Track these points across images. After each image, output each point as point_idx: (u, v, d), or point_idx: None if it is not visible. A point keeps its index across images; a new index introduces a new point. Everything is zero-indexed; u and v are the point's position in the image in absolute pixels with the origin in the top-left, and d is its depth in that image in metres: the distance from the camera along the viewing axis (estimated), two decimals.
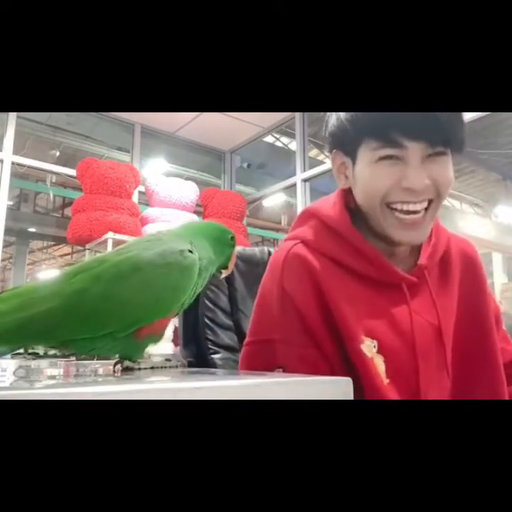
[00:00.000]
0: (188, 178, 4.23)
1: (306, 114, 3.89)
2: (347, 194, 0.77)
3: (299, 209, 3.74)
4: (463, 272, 0.79)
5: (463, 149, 0.70)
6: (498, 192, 7.57)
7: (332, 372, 0.68)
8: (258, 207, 6.32)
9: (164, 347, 3.23)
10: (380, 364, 0.69)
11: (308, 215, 0.81)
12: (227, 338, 1.02)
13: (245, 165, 5.75)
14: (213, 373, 0.72)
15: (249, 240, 4.26)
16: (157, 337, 0.58)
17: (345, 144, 0.74)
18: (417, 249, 0.78)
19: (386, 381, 0.68)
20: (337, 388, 0.47)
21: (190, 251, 0.58)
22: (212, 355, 0.99)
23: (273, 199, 5.31)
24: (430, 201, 0.70)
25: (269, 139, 5.59)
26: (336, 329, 0.70)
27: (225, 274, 0.70)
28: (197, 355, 1.00)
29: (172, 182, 3.64)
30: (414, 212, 0.69)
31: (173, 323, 3.39)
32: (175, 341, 3.32)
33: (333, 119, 0.75)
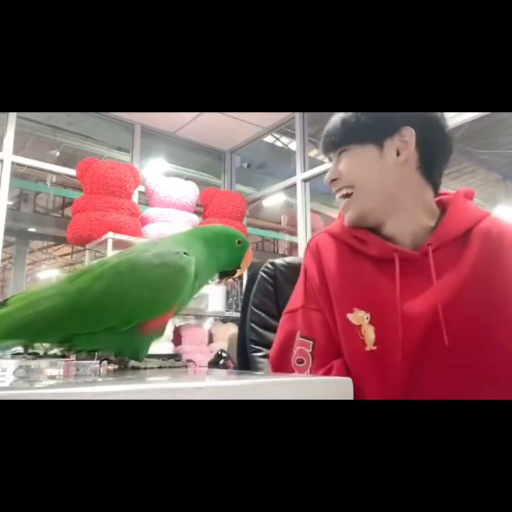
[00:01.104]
0: (188, 178, 4.23)
1: (306, 114, 3.89)
2: None
3: (299, 209, 3.75)
4: (481, 251, 0.80)
5: (360, 142, 0.84)
6: (498, 192, 7.57)
7: (328, 334, 0.81)
8: (258, 207, 6.32)
9: (164, 347, 3.23)
10: (369, 333, 0.77)
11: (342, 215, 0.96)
12: (272, 337, 1.08)
13: (245, 165, 5.75)
14: (215, 373, 0.72)
15: (250, 239, 4.26)
16: (159, 333, 0.62)
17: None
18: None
19: (373, 347, 0.76)
20: (337, 388, 0.47)
21: (186, 253, 0.61)
22: (253, 353, 1.07)
23: (273, 199, 5.31)
24: (350, 187, 0.85)
25: (269, 139, 5.59)
26: (329, 299, 0.82)
27: (238, 273, 0.78)
28: (244, 355, 1.10)
29: (172, 182, 3.64)
30: (342, 195, 0.86)
31: (173, 324, 3.40)
32: (175, 341, 3.32)
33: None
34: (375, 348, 0.76)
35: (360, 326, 0.78)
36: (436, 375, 0.75)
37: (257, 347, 1.09)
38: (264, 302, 1.13)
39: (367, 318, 0.78)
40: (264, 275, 1.15)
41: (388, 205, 0.83)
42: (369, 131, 0.83)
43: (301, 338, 0.83)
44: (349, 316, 0.79)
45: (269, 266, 1.17)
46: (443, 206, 0.86)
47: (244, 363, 1.10)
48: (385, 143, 0.81)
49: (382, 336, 0.76)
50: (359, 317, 0.78)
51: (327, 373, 0.78)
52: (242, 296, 1.21)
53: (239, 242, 0.74)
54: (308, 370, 0.79)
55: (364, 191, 0.84)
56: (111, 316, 0.56)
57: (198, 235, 0.71)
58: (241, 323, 1.17)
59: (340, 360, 0.79)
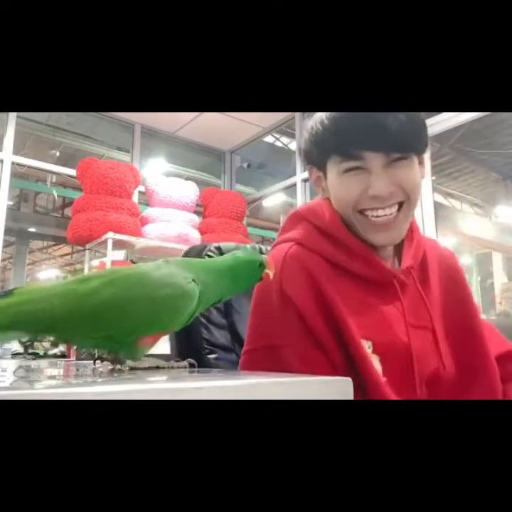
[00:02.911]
0: (188, 178, 4.23)
1: (306, 114, 3.89)
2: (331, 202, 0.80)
3: None
4: (444, 279, 0.80)
5: (424, 150, 0.74)
6: (498, 192, 7.57)
7: (335, 372, 0.69)
8: (258, 207, 6.32)
9: (164, 347, 3.23)
10: (376, 364, 0.69)
11: (298, 217, 0.81)
12: (222, 337, 0.99)
13: (245, 165, 5.75)
14: (215, 373, 0.72)
15: (249, 239, 4.26)
16: (150, 347, 0.62)
17: (315, 161, 0.78)
18: (398, 251, 0.80)
19: (383, 379, 0.69)
20: (337, 388, 0.47)
21: (194, 280, 0.60)
22: (208, 355, 0.96)
23: (273, 199, 5.30)
24: (401, 203, 0.73)
25: (269, 139, 5.59)
26: (337, 328, 0.70)
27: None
28: (192, 355, 0.99)
29: (172, 182, 3.64)
30: (385, 215, 0.72)
31: None
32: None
33: (303, 139, 0.79)
34: (384, 379, 0.69)
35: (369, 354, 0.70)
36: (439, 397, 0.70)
37: (210, 348, 0.95)
38: None
39: (369, 347, 0.70)
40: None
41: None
42: (426, 140, 0.73)
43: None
44: (363, 342, 0.69)
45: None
46: None
47: (199, 364, 0.97)
48: (424, 155, 0.73)
49: (390, 367, 0.70)
50: (367, 346, 0.70)
51: None
52: None
53: (260, 265, 0.66)
54: None
55: (413, 207, 0.74)
56: (111, 324, 0.56)
57: (216, 264, 0.66)
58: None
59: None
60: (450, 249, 0.88)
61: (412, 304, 0.75)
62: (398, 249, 0.80)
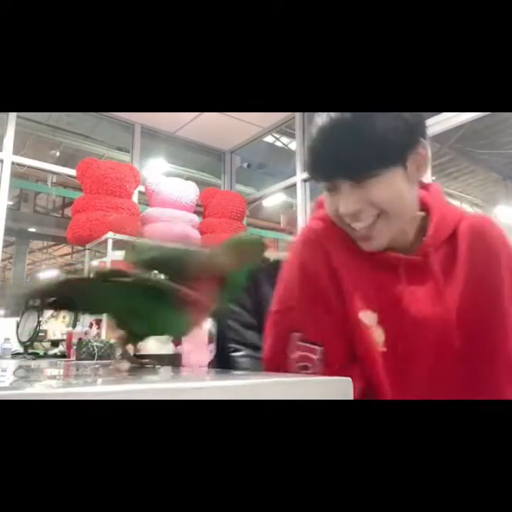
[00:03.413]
0: (188, 178, 4.23)
1: (306, 114, 3.89)
2: None
3: (299, 209, 3.75)
4: (470, 250, 0.80)
5: (392, 164, 0.73)
6: (498, 192, 7.56)
7: (339, 338, 0.76)
8: (258, 207, 6.32)
9: (164, 347, 3.23)
10: (379, 335, 0.75)
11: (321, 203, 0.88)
12: (251, 336, 1.03)
13: (245, 165, 5.75)
14: (215, 373, 0.72)
15: None
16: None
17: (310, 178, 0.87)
18: (422, 232, 0.81)
19: (382, 349, 0.74)
20: (337, 388, 0.47)
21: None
22: (233, 353, 1.01)
23: (273, 199, 5.30)
24: (378, 216, 0.75)
25: (269, 139, 5.59)
26: (342, 296, 0.77)
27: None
28: (222, 354, 1.04)
29: (172, 182, 3.64)
30: (362, 229, 0.76)
31: None
32: (175, 341, 3.32)
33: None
34: (385, 349, 0.74)
35: (370, 326, 0.75)
36: (447, 380, 0.73)
37: (236, 346, 1.02)
38: (243, 298, 1.05)
39: (374, 319, 0.75)
40: None
41: (406, 221, 0.79)
42: (395, 152, 0.73)
43: (303, 343, 0.77)
44: (360, 315, 0.75)
45: None
46: (422, 205, 0.82)
47: (224, 364, 1.03)
48: (407, 162, 0.74)
49: (392, 338, 0.74)
50: (368, 317, 0.75)
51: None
52: None
53: (261, 245, 0.74)
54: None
55: (396, 216, 0.75)
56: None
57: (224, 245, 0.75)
58: (217, 321, 1.08)
59: (357, 365, 0.75)
60: (481, 215, 0.87)
61: (423, 282, 0.77)
62: (423, 229, 0.82)
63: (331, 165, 0.73)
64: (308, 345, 0.76)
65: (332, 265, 0.78)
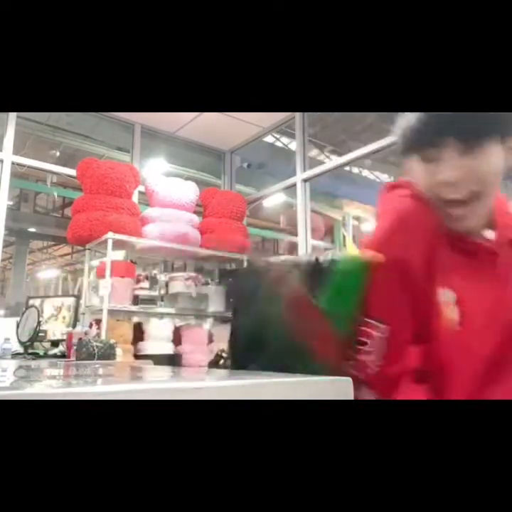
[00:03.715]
0: (188, 178, 4.23)
1: (306, 114, 3.89)
2: None
3: (299, 209, 3.74)
4: None
5: (503, 134, 0.76)
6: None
7: (412, 316, 0.77)
8: (258, 207, 6.32)
9: (164, 347, 3.23)
10: (454, 314, 0.76)
11: (394, 186, 0.90)
12: None
13: (245, 165, 5.75)
14: (215, 373, 0.72)
15: (250, 240, 4.26)
16: None
17: (403, 152, 0.87)
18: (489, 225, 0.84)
19: (456, 328, 0.76)
20: (337, 388, 0.47)
21: None
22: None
23: (273, 199, 5.30)
24: (474, 193, 0.77)
25: (269, 139, 5.59)
26: (424, 273, 0.77)
27: None
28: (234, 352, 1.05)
29: (172, 182, 3.64)
30: (456, 201, 0.77)
31: (174, 324, 3.39)
32: (175, 341, 3.32)
33: (396, 134, 0.88)
34: (458, 329, 0.76)
35: (448, 304, 0.77)
36: (510, 362, 0.76)
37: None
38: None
39: (453, 298, 0.77)
40: None
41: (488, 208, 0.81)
42: (506, 127, 0.75)
43: (368, 319, 0.76)
44: (440, 292, 0.77)
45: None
46: None
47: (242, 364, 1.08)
48: (509, 143, 0.76)
49: (467, 318, 0.76)
50: (446, 295, 0.77)
51: (399, 361, 0.75)
52: (237, 292, 1.13)
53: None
54: (377, 356, 0.74)
55: (488, 196, 0.78)
56: None
57: None
58: (235, 322, 1.06)
59: (416, 349, 0.76)
60: None
61: (500, 272, 0.80)
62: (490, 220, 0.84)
63: (447, 126, 0.75)
64: (372, 321, 0.75)
65: (423, 244, 0.78)
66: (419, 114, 0.77)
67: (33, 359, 2.35)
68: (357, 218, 8.38)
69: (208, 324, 3.64)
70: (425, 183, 0.80)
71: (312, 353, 0.68)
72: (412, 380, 0.73)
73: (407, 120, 0.81)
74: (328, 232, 8.15)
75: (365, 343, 0.74)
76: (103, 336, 2.74)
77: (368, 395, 0.70)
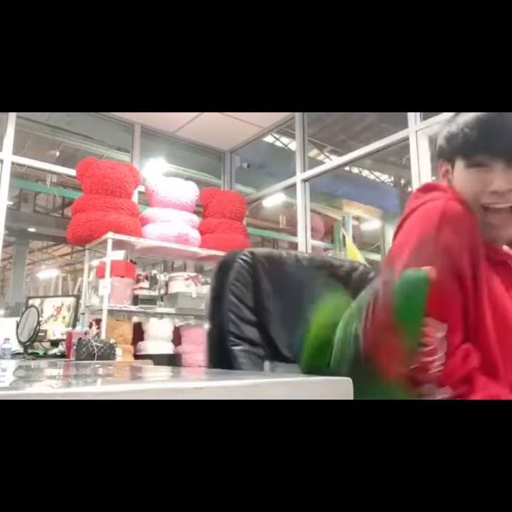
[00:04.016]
0: (188, 178, 4.22)
1: (306, 114, 3.89)
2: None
3: (299, 209, 3.74)
4: None
5: None
6: None
7: (465, 316, 0.78)
8: (258, 207, 6.32)
9: (164, 347, 3.23)
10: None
11: (431, 187, 0.90)
12: (250, 332, 1.05)
13: (245, 165, 5.75)
14: (215, 373, 0.72)
15: (250, 240, 4.26)
16: None
17: (446, 155, 0.90)
18: None
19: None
20: (337, 388, 0.47)
21: None
22: (233, 347, 1.02)
23: (273, 199, 5.30)
24: None
25: (269, 139, 5.59)
26: (476, 275, 0.79)
27: None
28: (220, 348, 1.03)
29: (172, 182, 3.64)
30: (500, 210, 0.81)
31: (174, 324, 3.39)
32: (175, 341, 3.32)
33: (440, 135, 0.91)
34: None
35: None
36: None
37: (236, 340, 1.02)
38: (243, 292, 1.05)
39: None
40: (243, 263, 1.06)
41: None
42: None
43: (430, 319, 0.76)
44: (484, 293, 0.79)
45: (248, 254, 1.08)
46: None
47: (220, 358, 1.02)
48: None
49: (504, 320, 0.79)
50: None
51: (466, 358, 0.76)
52: (214, 285, 1.09)
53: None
54: (442, 355, 0.75)
55: None
56: None
57: None
58: (213, 314, 1.07)
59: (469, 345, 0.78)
60: None
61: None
62: None
63: (501, 137, 0.79)
64: (432, 321, 0.75)
65: (469, 244, 0.79)
66: (476, 119, 0.80)
67: (33, 359, 2.35)
68: (357, 218, 8.38)
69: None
70: (472, 188, 0.82)
71: (381, 371, 0.69)
72: (484, 376, 0.74)
73: (458, 123, 0.84)
74: (328, 232, 8.15)
75: (427, 345, 0.74)
76: (103, 336, 2.74)
77: (441, 394, 0.70)
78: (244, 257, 1.07)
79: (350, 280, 1.19)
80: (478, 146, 0.81)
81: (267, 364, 1.04)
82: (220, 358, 1.02)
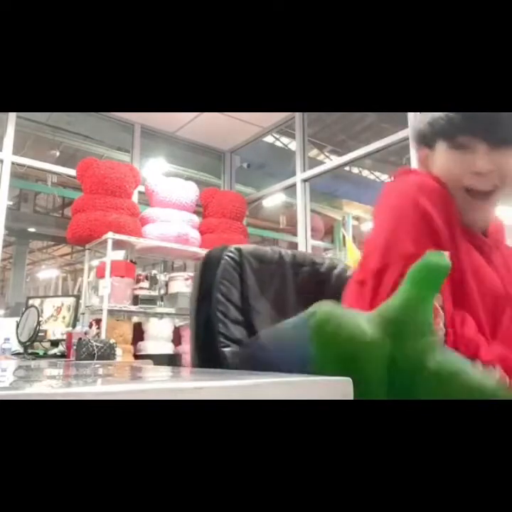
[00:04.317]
0: (188, 178, 4.22)
1: (306, 114, 3.89)
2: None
3: (299, 209, 3.74)
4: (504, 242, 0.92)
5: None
6: None
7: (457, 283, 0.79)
8: (258, 207, 6.32)
9: (164, 347, 3.22)
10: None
11: (407, 172, 0.92)
12: (238, 332, 1.02)
13: (245, 165, 5.74)
14: (215, 373, 0.72)
15: (249, 239, 4.26)
16: None
17: (427, 141, 0.90)
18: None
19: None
20: (337, 388, 0.47)
21: None
22: (223, 349, 0.99)
23: (273, 199, 5.29)
24: (496, 187, 0.82)
25: (269, 139, 5.59)
26: (455, 248, 0.79)
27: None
28: (209, 348, 1.00)
29: (172, 182, 3.64)
30: (482, 192, 0.81)
31: (174, 324, 3.39)
32: (175, 341, 3.32)
33: (418, 121, 0.91)
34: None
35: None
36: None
37: (226, 341, 0.98)
38: (230, 291, 1.01)
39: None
40: (230, 260, 1.03)
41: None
42: None
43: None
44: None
45: (235, 251, 1.05)
46: None
47: (209, 359, 0.99)
48: None
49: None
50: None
51: (464, 322, 0.75)
52: (199, 282, 1.05)
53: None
54: (442, 324, 0.72)
55: (505, 194, 0.83)
56: None
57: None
58: (199, 313, 1.03)
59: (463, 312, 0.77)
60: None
61: (495, 262, 0.85)
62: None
63: (484, 119, 0.79)
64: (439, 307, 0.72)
65: (447, 216, 0.80)
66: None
67: (33, 359, 2.35)
68: (357, 218, 8.38)
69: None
70: (454, 170, 0.83)
71: None
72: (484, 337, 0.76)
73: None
74: (328, 232, 8.15)
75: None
76: (103, 336, 2.74)
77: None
78: (231, 254, 1.04)
79: (330, 277, 1.18)
80: (462, 127, 0.82)
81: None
82: (209, 360, 0.98)
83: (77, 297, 3.03)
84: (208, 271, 1.03)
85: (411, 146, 2.82)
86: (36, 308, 2.50)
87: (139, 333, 3.17)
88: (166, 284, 3.41)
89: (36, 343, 2.60)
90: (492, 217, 0.88)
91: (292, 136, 4.79)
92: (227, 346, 0.99)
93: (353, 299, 0.81)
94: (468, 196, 0.83)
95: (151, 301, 3.17)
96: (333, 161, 4.47)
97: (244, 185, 5.60)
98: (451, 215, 0.80)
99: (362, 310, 0.71)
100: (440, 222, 0.78)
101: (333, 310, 0.65)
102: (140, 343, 3.14)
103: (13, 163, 3.42)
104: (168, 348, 3.23)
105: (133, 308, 3.10)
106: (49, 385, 0.48)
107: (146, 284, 3.21)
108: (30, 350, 2.44)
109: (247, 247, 1.09)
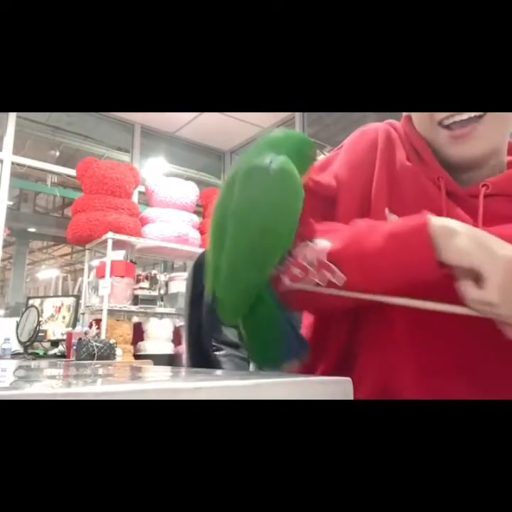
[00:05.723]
0: (188, 178, 4.23)
1: (306, 114, 3.89)
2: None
3: None
4: None
5: None
6: None
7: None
8: None
9: (164, 347, 3.23)
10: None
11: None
12: (231, 334, 1.00)
13: None
14: (215, 373, 0.72)
15: None
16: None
17: None
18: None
19: None
20: (337, 388, 0.47)
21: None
22: (216, 352, 0.98)
23: None
24: (481, 117, 0.71)
25: None
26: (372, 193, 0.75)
27: None
28: (201, 353, 0.99)
29: (172, 182, 3.64)
30: (461, 121, 0.71)
31: (174, 324, 3.40)
32: (175, 341, 3.32)
33: None
34: None
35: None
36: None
37: (218, 345, 0.98)
38: None
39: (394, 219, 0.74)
40: None
41: (498, 147, 0.75)
42: None
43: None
44: (386, 212, 0.73)
45: None
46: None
47: (202, 364, 0.98)
48: None
49: None
50: (392, 219, 0.73)
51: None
52: (191, 285, 1.03)
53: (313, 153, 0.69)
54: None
55: (498, 120, 0.71)
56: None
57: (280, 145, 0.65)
58: (191, 316, 1.01)
59: None
60: None
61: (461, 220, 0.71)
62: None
63: None
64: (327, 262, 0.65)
65: (389, 162, 0.76)
66: None
67: (33, 359, 2.35)
68: None
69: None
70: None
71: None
72: None
73: None
74: None
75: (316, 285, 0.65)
76: (103, 336, 2.75)
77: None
78: None
79: None
80: None
81: (252, 366, 0.99)
82: (203, 364, 0.97)
83: (77, 297, 3.04)
84: (199, 273, 0.99)
85: None
86: (36, 308, 2.50)
87: (139, 333, 3.17)
88: (166, 284, 3.42)
89: (36, 343, 2.60)
90: (478, 148, 0.74)
91: None
92: (220, 349, 0.98)
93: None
94: (444, 131, 0.74)
95: (151, 301, 3.18)
96: None
97: None
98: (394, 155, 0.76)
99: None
100: (369, 170, 0.75)
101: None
102: (140, 343, 3.15)
103: (13, 163, 3.43)
104: (168, 348, 3.24)
105: (133, 308, 3.11)
106: (49, 385, 0.48)
107: (146, 284, 3.22)
108: (30, 350, 2.45)
109: None
